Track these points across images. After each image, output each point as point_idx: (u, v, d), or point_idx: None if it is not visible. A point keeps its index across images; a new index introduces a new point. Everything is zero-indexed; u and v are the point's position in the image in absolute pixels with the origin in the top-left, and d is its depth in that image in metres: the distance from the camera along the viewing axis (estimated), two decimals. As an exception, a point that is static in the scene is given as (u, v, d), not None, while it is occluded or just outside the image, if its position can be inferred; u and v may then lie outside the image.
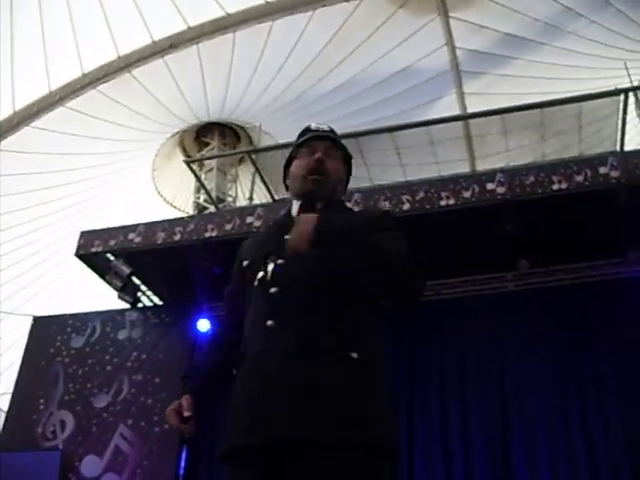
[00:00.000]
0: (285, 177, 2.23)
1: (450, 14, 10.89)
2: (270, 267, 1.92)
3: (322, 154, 2.09)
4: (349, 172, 2.26)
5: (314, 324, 1.78)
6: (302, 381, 1.69)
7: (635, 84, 7.62)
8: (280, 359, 1.74)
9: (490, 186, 5.60)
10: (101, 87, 11.06)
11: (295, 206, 2.12)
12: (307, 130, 2.22)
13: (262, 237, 2.16)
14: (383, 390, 1.81)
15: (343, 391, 1.70)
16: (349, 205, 2.39)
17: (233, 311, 2.12)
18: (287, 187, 2.24)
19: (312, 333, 1.77)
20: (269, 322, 1.81)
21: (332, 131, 2.23)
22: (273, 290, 1.86)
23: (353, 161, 2.29)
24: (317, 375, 1.71)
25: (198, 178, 11.00)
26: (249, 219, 6.07)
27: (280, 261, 1.91)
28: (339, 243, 1.76)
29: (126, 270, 6.47)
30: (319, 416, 1.65)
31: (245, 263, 2.06)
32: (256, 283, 1.93)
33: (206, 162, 13.08)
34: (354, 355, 1.76)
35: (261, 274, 1.93)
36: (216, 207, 10.68)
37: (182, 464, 6.11)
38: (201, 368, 2.08)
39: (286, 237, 1.82)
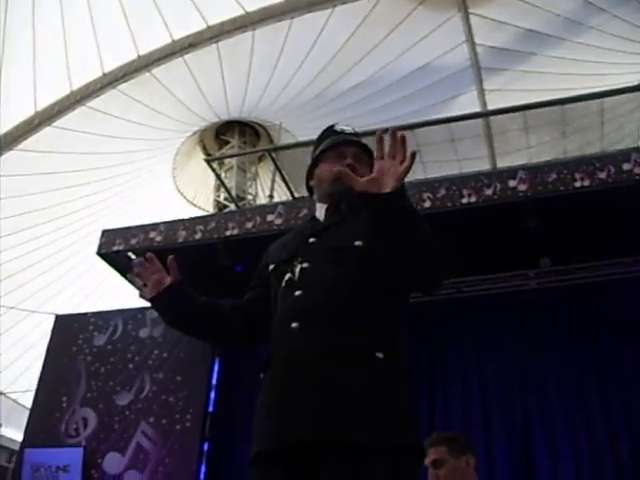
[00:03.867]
0: (309, 178, 2.18)
1: (470, 10, 10.85)
2: (297, 270, 1.90)
3: (352, 159, 2.02)
4: None
5: (338, 325, 1.75)
6: (329, 384, 1.66)
7: (658, 79, 7.52)
8: (305, 362, 1.71)
9: (512, 183, 5.55)
10: (121, 86, 11.14)
11: (320, 209, 2.09)
12: (331, 130, 2.17)
13: (287, 241, 2.11)
14: (408, 389, 1.78)
15: (370, 394, 1.66)
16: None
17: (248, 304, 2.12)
18: (309, 188, 2.21)
19: (336, 334, 1.74)
20: (293, 324, 1.78)
21: (357, 134, 2.16)
22: (298, 293, 1.84)
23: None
24: (344, 377, 1.67)
25: (218, 176, 11.03)
26: (270, 217, 6.06)
27: (305, 265, 1.89)
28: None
29: (147, 268, 6.48)
30: (347, 420, 1.62)
31: (271, 267, 2.03)
32: (283, 285, 1.91)
33: (226, 160, 13.15)
34: (380, 355, 1.73)
35: (288, 276, 1.91)
36: (236, 205, 10.72)
37: (203, 461, 6.13)
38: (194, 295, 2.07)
39: (310, 240, 1.90)
